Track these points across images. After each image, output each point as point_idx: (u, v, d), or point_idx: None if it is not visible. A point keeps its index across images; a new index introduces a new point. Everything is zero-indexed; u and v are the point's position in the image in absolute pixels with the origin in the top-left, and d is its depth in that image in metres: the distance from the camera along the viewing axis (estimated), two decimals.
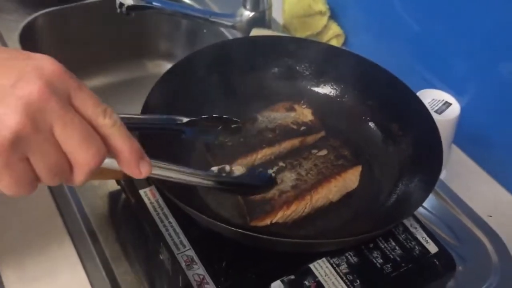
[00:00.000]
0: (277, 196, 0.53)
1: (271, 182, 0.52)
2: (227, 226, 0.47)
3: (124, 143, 0.34)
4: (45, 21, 0.92)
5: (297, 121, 0.62)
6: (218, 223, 0.47)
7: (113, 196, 0.66)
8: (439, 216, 0.69)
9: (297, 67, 0.69)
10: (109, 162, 0.34)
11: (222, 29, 0.96)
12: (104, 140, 0.33)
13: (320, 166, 0.56)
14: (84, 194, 0.65)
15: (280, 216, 0.53)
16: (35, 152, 0.31)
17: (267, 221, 0.52)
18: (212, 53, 0.65)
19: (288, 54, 0.68)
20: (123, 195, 0.65)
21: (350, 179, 0.58)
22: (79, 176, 0.33)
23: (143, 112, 0.56)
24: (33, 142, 0.31)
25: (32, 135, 0.30)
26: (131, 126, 0.39)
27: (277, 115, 0.62)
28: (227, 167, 0.47)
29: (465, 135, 0.75)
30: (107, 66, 1.03)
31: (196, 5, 1.02)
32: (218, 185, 0.45)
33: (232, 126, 0.54)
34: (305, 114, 0.63)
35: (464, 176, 0.74)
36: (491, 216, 0.70)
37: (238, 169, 0.48)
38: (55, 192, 0.64)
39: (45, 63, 0.32)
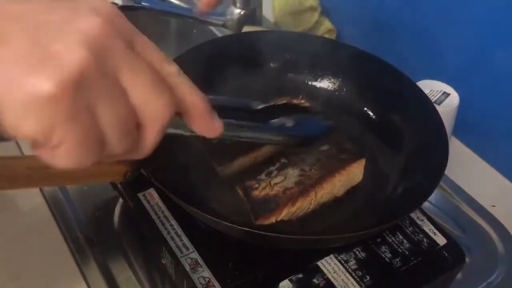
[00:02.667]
0: (281, 193, 0.52)
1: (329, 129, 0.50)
2: (234, 226, 0.45)
3: (195, 94, 0.29)
4: None
5: None
6: (225, 222, 0.45)
7: (110, 202, 0.64)
8: (441, 208, 0.68)
9: (294, 62, 0.68)
10: (174, 122, 0.29)
11: (213, 28, 0.95)
12: (173, 91, 0.29)
13: (323, 160, 0.55)
14: (80, 201, 0.63)
15: (285, 214, 0.51)
16: (103, 98, 0.25)
17: (272, 219, 0.51)
18: (205, 51, 0.64)
19: (284, 48, 0.67)
20: (121, 200, 0.63)
21: (355, 172, 0.57)
22: (150, 136, 0.28)
23: None
24: (101, 86, 0.25)
25: (98, 77, 0.25)
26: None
27: None
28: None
29: (463, 125, 0.74)
30: None
31: (185, 5, 1.01)
32: (288, 139, 0.43)
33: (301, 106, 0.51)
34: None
35: (464, 167, 0.74)
36: (494, 206, 0.69)
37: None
38: (50, 200, 0.62)
39: (101, 3, 0.27)
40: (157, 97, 0.27)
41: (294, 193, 0.52)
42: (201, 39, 0.95)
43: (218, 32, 0.94)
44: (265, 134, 0.40)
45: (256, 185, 0.53)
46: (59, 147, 0.25)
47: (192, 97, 0.29)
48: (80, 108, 0.24)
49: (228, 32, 0.90)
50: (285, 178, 0.54)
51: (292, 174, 0.54)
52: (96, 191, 0.65)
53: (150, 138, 0.28)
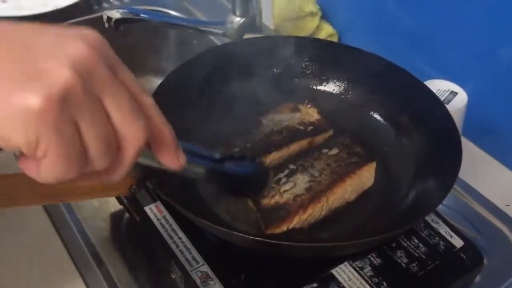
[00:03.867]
0: (291, 200, 0.50)
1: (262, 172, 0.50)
2: (246, 236, 0.44)
3: (166, 126, 0.32)
4: None
5: (303, 122, 0.59)
6: (236, 233, 0.44)
7: (115, 217, 0.63)
8: (455, 209, 0.66)
9: (298, 66, 0.67)
10: (145, 153, 0.32)
11: (213, 38, 0.94)
12: (148, 120, 0.31)
13: (333, 165, 0.54)
14: (84, 217, 0.62)
15: (296, 221, 0.50)
16: (86, 115, 0.27)
17: (284, 228, 0.49)
18: (209, 58, 0.63)
19: (287, 53, 0.66)
20: (127, 214, 0.62)
21: (366, 176, 0.55)
22: (127, 156, 0.30)
23: None
24: (84, 104, 0.27)
25: (83, 96, 0.27)
26: None
27: (282, 117, 0.59)
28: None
29: (471, 125, 0.73)
30: None
31: (184, 16, 1.00)
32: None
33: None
34: (310, 113, 0.60)
35: (476, 167, 0.72)
36: (509, 206, 0.68)
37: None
38: (53, 216, 0.60)
39: (88, 31, 0.29)
40: (135, 122, 0.29)
41: (305, 199, 0.51)
42: (201, 49, 0.95)
43: (219, 42, 0.93)
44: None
45: (266, 193, 0.51)
46: (43, 159, 0.27)
47: (163, 128, 0.32)
48: (65, 122, 0.26)
49: (228, 41, 0.90)
50: (294, 184, 0.52)
51: (302, 180, 0.53)
52: (101, 206, 0.63)
53: (127, 159, 0.30)
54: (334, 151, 0.55)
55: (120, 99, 0.29)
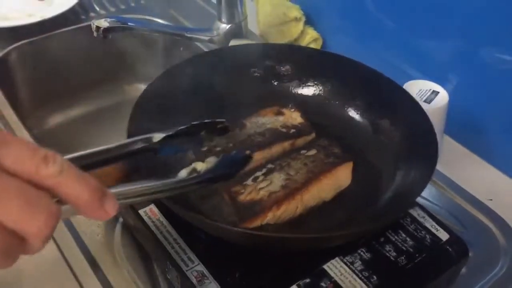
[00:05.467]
0: (266, 196, 0.52)
1: (246, 160, 0.48)
2: (247, 231, 0.46)
3: (78, 188, 0.29)
4: (18, 55, 0.91)
5: (286, 125, 0.61)
6: (235, 228, 0.46)
7: (109, 221, 0.64)
8: (440, 205, 0.69)
9: (281, 72, 0.69)
10: (68, 209, 0.30)
11: (199, 45, 0.96)
12: (53, 192, 0.28)
13: (309, 165, 0.55)
14: (78, 222, 0.63)
15: (270, 217, 0.52)
16: None
17: (258, 222, 0.51)
18: (192, 65, 0.64)
19: (270, 59, 0.68)
20: (120, 219, 0.63)
21: (342, 176, 0.57)
22: (36, 246, 0.28)
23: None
24: None
25: None
26: (95, 162, 0.37)
27: (265, 120, 0.61)
28: (199, 165, 0.45)
29: (454, 124, 0.75)
30: (85, 94, 1.01)
31: (170, 23, 1.02)
32: (196, 186, 0.42)
33: (218, 127, 0.50)
34: (294, 117, 0.62)
35: (458, 163, 0.75)
36: (491, 200, 0.70)
37: (209, 162, 0.45)
38: None
39: None
40: (34, 215, 0.27)
41: (279, 196, 0.52)
42: (188, 55, 0.96)
43: (205, 48, 0.95)
44: (170, 190, 0.39)
45: (242, 190, 0.53)
46: None
47: (75, 190, 0.29)
48: None
49: (215, 47, 0.91)
50: (270, 182, 0.54)
51: (278, 179, 0.54)
52: None
53: (38, 246, 0.28)
54: (312, 152, 0.57)
55: (8, 201, 0.26)
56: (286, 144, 0.59)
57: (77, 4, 0.99)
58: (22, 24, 0.92)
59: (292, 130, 0.60)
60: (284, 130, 0.60)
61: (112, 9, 1.04)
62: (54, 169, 0.28)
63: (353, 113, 0.67)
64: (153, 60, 1.03)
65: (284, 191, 0.53)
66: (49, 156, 0.28)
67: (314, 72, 0.68)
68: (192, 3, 1.07)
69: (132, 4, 1.06)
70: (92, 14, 1.02)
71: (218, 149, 0.56)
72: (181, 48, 0.99)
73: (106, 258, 0.59)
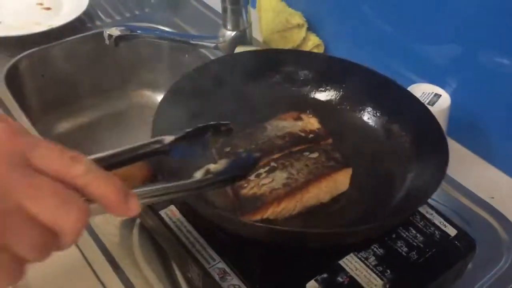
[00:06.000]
0: (268, 192, 0.54)
1: (256, 162, 0.51)
2: (272, 226, 0.49)
3: (105, 187, 0.31)
4: (28, 63, 0.92)
5: (305, 129, 0.63)
6: (259, 224, 0.49)
7: (126, 223, 0.65)
8: (445, 203, 0.71)
9: (298, 77, 0.72)
10: (95, 208, 0.31)
11: (205, 51, 0.98)
12: (82, 191, 0.30)
13: (311, 166, 0.58)
14: (97, 224, 0.64)
15: (270, 212, 0.54)
16: (12, 238, 0.27)
17: (258, 217, 0.53)
18: (215, 69, 0.67)
19: (287, 65, 0.71)
20: (137, 220, 0.65)
21: (340, 180, 0.59)
22: (68, 241, 0.30)
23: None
24: (6, 230, 0.27)
25: (1, 224, 0.27)
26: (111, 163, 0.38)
27: (285, 124, 0.63)
28: (212, 166, 0.46)
29: (455, 125, 0.78)
30: (92, 101, 1.03)
31: (177, 31, 1.04)
32: (210, 187, 0.44)
33: (222, 129, 0.51)
34: (312, 122, 0.64)
35: (459, 163, 0.77)
36: (493, 198, 0.73)
37: (221, 163, 0.47)
38: None
39: None
40: (66, 214, 0.28)
41: (280, 193, 0.55)
42: (193, 62, 0.99)
43: (210, 54, 0.97)
44: (185, 191, 0.42)
45: (245, 185, 0.55)
46: None
47: (102, 190, 0.30)
48: None
49: (220, 54, 0.94)
50: (273, 180, 0.56)
51: (280, 177, 0.57)
52: (113, 217, 0.66)
53: (71, 242, 0.30)
54: (315, 154, 0.60)
55: (42, 199, 0.28)
56: (305, 147, 0.61)
57: (83, 12, 1.01)
58: (30, 33, 0.94)
59: (311, 135, 0.63)
60: (302, 134, 0.62)
61: (118, 17, 1.06)
62: (82, 169, 0.30)
63: (365, 118, 0.70)
64: (159, 67, 1.05)
65: (285, 189, 0.55)
66: (76, 157, 0.30)
67: (328, 78, 0.71)
68: (195, 11, 1.09)
69: (137, 12, 1.08)
70: (98, 23, 1.03)
71: (241, 150, 0.58)
72: (186, 55, 1.01)
73: (125, 258, 0.61)
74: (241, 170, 0.47)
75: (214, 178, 0.45)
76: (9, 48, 0.93)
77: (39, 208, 0.28)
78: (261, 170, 0.57)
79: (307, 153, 0.60)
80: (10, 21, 0.98)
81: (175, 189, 0.41)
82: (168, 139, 0.46)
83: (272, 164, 0.58)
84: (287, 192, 0.55)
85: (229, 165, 0.47)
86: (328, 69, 0.71)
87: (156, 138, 0.46)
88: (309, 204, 0.57)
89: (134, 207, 0.32)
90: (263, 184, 0.55)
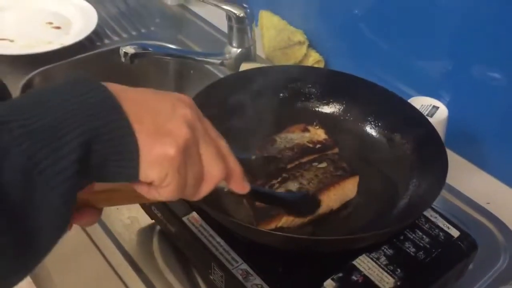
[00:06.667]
0: None
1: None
2: (291, 235, 0.53)
3: (236, 163, 0.41)
4: (41, 80, 0.96)
5: (312, 140, 0.67)
6: (280, 233, 0.53)
7: (146, 230, 0.69)
8: (444, 209, 0.75)
9: (305, 92, 0.76)
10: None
11: (210, 68, 1.02)
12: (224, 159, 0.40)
13: (320, 176, 0.62)
14: (118, 232, 0.68)
15: (284, 221, 0.58)
16: (191, 158, 0.37)
17: (273, 225, 0.57)
18: (225, 84, 0.71)
19: (294, 80, 0.76)
20: (157, 227, 0.68)
21: (348, 188, 0.64)
22: (206, 187, 0.39)
23: None
24: (193, 151, 0.37)
25: (193, 145, 0.37)
26: None
27: (293, 136, 0.68)
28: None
29: (452, 136, 0.83)
30: None
31: (183, 48, 1.08)
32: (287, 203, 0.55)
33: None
34: (318, 134, 0.69)
35: (456, 171, 0.81)
36: (489, 203, 0.77)
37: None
38: (92, 235, 0.66)
39: (183, 96, 0.39)
40: (217, 163, 0.39)
41: None
42: (198, 78, 1.03)
43: (216, 71, 1.01)
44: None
45: None
46: (165, 188, 0.37)
47: (234, 165, 0.41)
48: (183, 164, 0.36)
49: (226, 70, 0.98)
50: (285, 190, 0.61)
51: (292, 187, 0.61)
52: (132, 222, 0.70)
53: (205, 190, 0.40)
54: (323, 164, 0.64)
55: (209, 146, 0.38)
56: (313, 158, 0.66)
57: (92, 31, 1.05)
58: (42, 51, 0.97)
59: (318, 145, 0.67)
60: (310, 145, 0.67)
61: (125, 35, 1.10)
62: (225, 143, 0.41)
63: (368, 128, 0.74)
64: (165, 83, 1.09)
65: None
66: (222, 137, 0.41)
67: (333, 92, 0.76)
68: (198, 29, 1.14)
69: (143, 31, 1.12)
70: (106, 41, 1.07)
71: (253, 157, 0.63)
72: (192, 71, 1.05)
73: (146, 262, 0.65)
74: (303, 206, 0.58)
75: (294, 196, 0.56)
76: (23, 66, 0.96)
77: (206, 151, 0.38)
78: (274, 181, 0.61)
79: (316, 164, 0.65)
80: (23, 40, 1.02)
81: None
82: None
83: (284, 175, 0.62)
84: None
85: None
86: (332, 83, 0.75)
87: None
88: (321, 212, 0.61)
89: (247, 187, 0.43)
90: None
